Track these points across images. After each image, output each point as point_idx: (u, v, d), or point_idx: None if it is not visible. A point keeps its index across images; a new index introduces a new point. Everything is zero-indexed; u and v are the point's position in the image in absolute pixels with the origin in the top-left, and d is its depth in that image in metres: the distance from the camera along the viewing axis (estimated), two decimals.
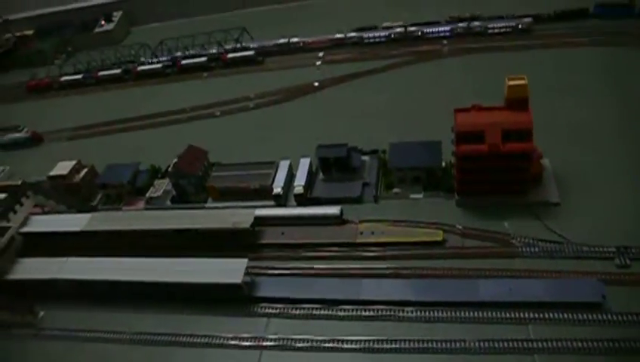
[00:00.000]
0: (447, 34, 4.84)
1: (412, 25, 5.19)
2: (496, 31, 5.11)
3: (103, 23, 6.64)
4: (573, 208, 2.79)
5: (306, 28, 5.54)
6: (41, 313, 3.00)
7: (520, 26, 5.48)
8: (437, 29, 4.99)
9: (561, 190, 3.00)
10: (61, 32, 6.75)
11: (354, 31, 4.82)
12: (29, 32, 7.16)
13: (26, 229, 3.40)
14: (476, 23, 5.42)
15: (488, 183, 3.05)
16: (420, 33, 4.83)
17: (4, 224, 3.27)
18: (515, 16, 4.94)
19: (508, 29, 5.19)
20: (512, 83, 2.88)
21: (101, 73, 5.57)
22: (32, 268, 3.15)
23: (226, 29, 5.18)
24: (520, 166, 2.88)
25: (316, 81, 4.44)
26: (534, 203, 3.01)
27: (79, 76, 5.60)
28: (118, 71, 5.48)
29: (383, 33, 4.78)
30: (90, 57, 5.72)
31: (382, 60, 4.61)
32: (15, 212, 3.47)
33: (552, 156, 3.17)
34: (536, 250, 2.77)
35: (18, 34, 7.00)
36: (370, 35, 4.78)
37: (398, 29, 4.76)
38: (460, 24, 4.94)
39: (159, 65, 5.34)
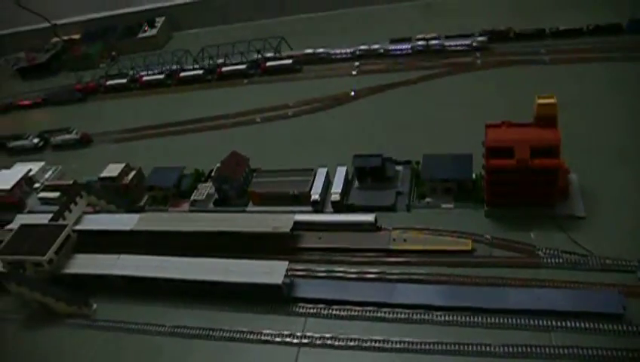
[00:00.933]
0: (466, 48, 4.73)
1: (446, 37, 5.15)
2: (528, 49, 4.96)
3: (146, 28, 6.79)
4: (598, 222, 2.80)
5: (342, 37, 5.56)
6: (94, 305, 3.16)
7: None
8: (460, 43, 4.89)
9: (586, 204, 3.01)
10: (106, 37, 6.91)
11: (391, 43, 4.83)
12: (76, 37, 7.36)
13: (80, 227, 3.56)
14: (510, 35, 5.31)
15: (516, 196, 3.09)
16: (442, 47, 4.76)
17: (61, 222, 3.45)
18: (550, 31, 4.81)
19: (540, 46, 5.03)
20: (541, 101, 2.91)
21: (145, 78, 5.69)
22: (87, 264, 3.31)
23: (265, 37, 5.27)
24: (547, 180, 2.92)
25: (352, 91, 4.48)
26: (560, 216, 3.03)
27: (124, 80, 5.75)
28: (161, 76, 5.61)
29: (405, 46, 4.75)
30: (134, 62, 5.88)
31: (415, 71, 4.59)
32: (70, 210, 3.65)
33: (580, 171, 3.18)
34: (561, 261, 2.80)
35: (66, 38, 7.21)
36: (401, 47, 4.78)
37: (421, 42, 4.75)
38: (479, 38, 4.79)
39: (201, 72, 5.45)
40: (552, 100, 2.84)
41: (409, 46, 4.62)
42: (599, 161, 3.11)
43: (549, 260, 2.75)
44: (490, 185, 2.96)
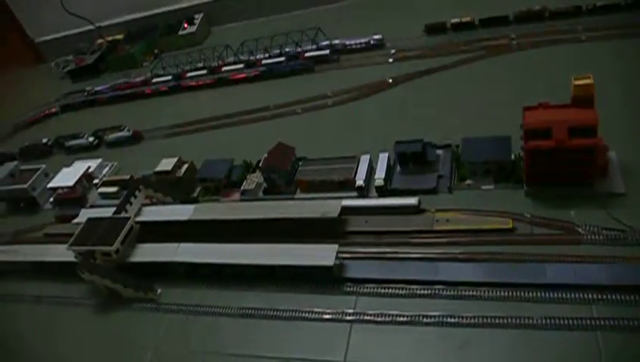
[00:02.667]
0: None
1: (480, 20, 5.14)
2: (557, 27, 4.83)
3: (185, 25, 6.98)
4: (638, 198, 2.82)
5: (377, 24, 5.60)
6: (159, 290, 3.37)
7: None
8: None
9: (626, 181, 3.02)
10: (148, 36, 7.12)
11: (424, 31, 4.83)
12: (119, 37, 7.61)
13: (140, 218, 3.77)
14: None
15: (556, 175, 3.12)
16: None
17: (124, 215, 3.67)
18: (587, 8, 4.69)
19: (568, 24, 4.88)
20: (578, 82, 2.93)
21: (188, 74, 5.87)
22: (150, 252, 3.52)
23: (302, 29, 5.36)
24: (585, 159, 2.95)
25: (390, 78, 4.53)
26: (600, 193, 3.05)
27: (168, 77, 5.93)
28: (204, 72, 5.77)
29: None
30: (177, 59, 6.07)
31: (452, 56, 4.59)
32: (131, 204, 3.87)
33: (619, 148, 3.18)
34: (601, 237, 2.84)
35: (109, 39, 7.47)
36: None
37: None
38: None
39: (242, 65, 5.59)
40: (588, 81, 2.92)
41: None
42: (639, 138, 3.17)
43: (588, 236, 2.84)
44: (530, 165, 3.07)
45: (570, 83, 2.94)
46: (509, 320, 2.57)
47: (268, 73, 5.41)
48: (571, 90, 3.01)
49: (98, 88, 6.42)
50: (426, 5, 5.72)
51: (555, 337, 2.46)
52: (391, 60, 5.17)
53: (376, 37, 5.14)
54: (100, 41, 7.41)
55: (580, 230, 2.92)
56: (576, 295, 2.64)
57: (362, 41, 5.29)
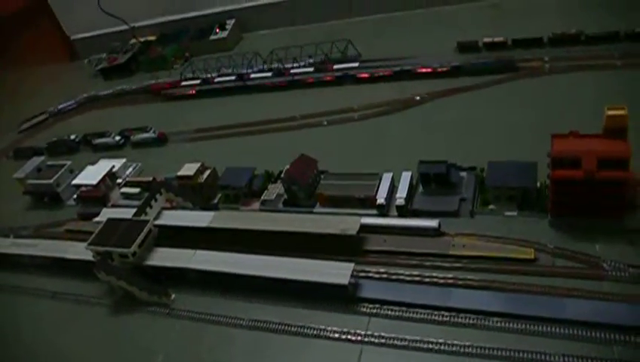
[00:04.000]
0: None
1: (513, 41, 5.03)
2: (593, 52, 4.65)
3: (217, 30, 7.05)
4: None
5: (409, 39, 5.55)
6: (173, 295, 3.38)
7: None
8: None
9: None
10: (180, 39, 7.21)
11: (456, 48, 4.76)
12: (152, 38, 7.71)
13: (159, 222, 3.79)
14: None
15: (582, 207, 3.02)
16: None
17: (144, 217, 3.69)
18: (625, 34, 4.53)
19: (605, 49, 4.69)
20: (611, 113, 2.83)
21: (217, 79, 5.92)
22: (166, 257, 3.53)
23: (333, 40, 5.34)
24: (615, 192, 2.85)
25: (417, 95, 4.49)
26: (629, 229, 2.94)
27: (197, 82, 5.98)
28: (232, 78, 5.80)
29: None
30: (206, 63, 6.11)
31: (484, 76, 4.52)
32: (151, 207, 3.89)
33: None
34: (626, 274, 2.72)
35: (142, 39, 7.57)
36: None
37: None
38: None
39: (270, 74, 5.61)
40: (622, 112, 2.83)
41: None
42: None
43: (613, 273, 2.75)
44: (555, 195, 2.99)
45: (602, 112, 2.86)
46: (523, 354, 2.50)
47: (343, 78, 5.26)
48: (603, 120, 2.93)
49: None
50: (461, 22, 5.66)
51: None
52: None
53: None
54: (133, 41, 7.52)
55: (604, 265, 2.83)
56: (597, 334, 2.55)
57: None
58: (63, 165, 4.65)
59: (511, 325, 2.66)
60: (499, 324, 2.74)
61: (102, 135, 5.40)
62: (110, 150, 5.41)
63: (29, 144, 6.21)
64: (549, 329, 2.61)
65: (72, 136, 5.63)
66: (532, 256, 3.00)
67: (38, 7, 7.99)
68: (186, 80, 6.02)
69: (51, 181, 4.45)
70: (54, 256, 3.72)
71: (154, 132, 5.15)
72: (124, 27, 7.48)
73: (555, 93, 4.26)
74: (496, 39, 5.04)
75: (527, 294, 2.78)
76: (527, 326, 2.63)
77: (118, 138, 5.26)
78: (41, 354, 3.30)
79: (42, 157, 4.88)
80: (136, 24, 7.55)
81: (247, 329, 3.03)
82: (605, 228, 3.07)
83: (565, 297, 2.71)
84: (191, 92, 6.00)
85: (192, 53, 6.89)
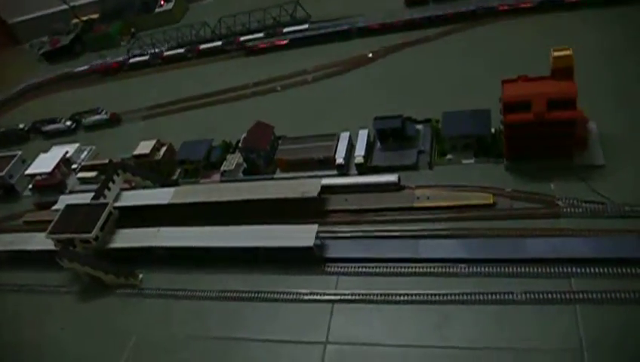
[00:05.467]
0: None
1: None
2: None
3: (162, 2, 6.78)
4: (618, 170, 2.81)
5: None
6: (141, 276, 3.36)
7: None
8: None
9: (606, 152, 3.01)
10: (124, 15, 6.94)
11: (404, 3, 4.72)
12: (95, 16, 7.39)
13: (119, 203, 3.72)
14: None
15: (536, 149, 3.10)
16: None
17: (102, 200, 3.61)
18: None
19: None
20: (557, 54, 2.89)
21: (166, 53, 5.74)
22: (130, 238, 3.49)
23: (280, 4, 5.24)
24: (565, 132, 2.94)
25: (370, 52, 4.45)
26: (580, 166, 3.05)
27: (146, 57, 5.80)
28: (181, 50, 5.65)
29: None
30: (154, 38, 5.92)
31: (433, 28, 4.51)
32: (109, 189, 3.80)
33: (599, 119, 3.16)
34: (580, 210, 2.85)
35: (85, 18, 7.24)
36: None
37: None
38: None
39: (219, 43, 5.48)
40: (567, 52, 2.89)
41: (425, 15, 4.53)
42: (618, 109, 3.15)
43: (568, 209, 2.85)
44: (509, 139, 3.05)
45: (549, 54, 2.90)
46: (489, 296, 2.58)
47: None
48: (550, 62, 2.98)
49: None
50: None
51: (534, 312, 2.47)
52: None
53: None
54: (75, 21, 7.23)
55: (559, 203, 2.92)
56: (556, 269, 2.65)
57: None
58: (13, 155, 4.50)
59: (476, 269, 2.74)
60: (465, 270, 2.82)
61: (52, 121, 5.24)
62: (62, 136, 5.26)
63: None
64: (511, 269, 2.69)
65: (21, 125, 5.44)
66: (491, 201, 3.07)
67: None
68: (134, 57, 5.85)
69: (3, 173, 4.32)
70: (15, 248, 3.63)
71: (106, 113, 5.01)
72: (64, 7, 7.18)
73: (504, 41, 4.30)
74: None
75: (490, 238, 2.86)
76: (491, 268, 2.71)
77: (69, 123, 5.11)
78: (16, 349, 3.25)
79: None
80: (76, 3, 7.25)
81: (218, 301, 3.04)
82: (558, 167, 3.16)
83: (525, 237, 2.80)
84: (139, 69, 5.84)
85: (137, 28, 6.68)
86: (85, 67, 6.11)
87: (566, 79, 2.92)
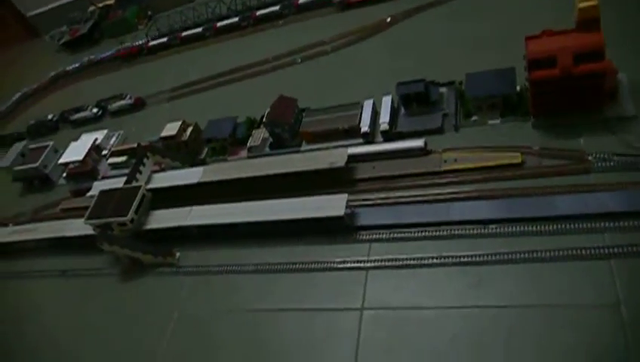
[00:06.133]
0: None
1: None
2: None
3: None
4: None
5: None
6: (178, 254, 3.45)
7: None
8: None
9: (637, 103, 2.91)
10: None
11: None
12: (111, 2, 7.38)
13: (151, 186, 3.79)
14: None
15: (563, 104, 3.02)
16: None
17: (135, 184, 3.68)
18: None
19: None
20: (582, 5, 2.78)
21: (184, 34, 5.74)
22: (164, 218, 3.56)
23: None
24: (593, 85, 2.84)
25: (388, 17, 4.36)
26: (610, 118, 2.95)
27: (164, 39, 5.80)
28: (199, 29, 5.62)
29: None
30: (171, 19, 5.92)
31: None
32: (140, 172, 3.87)
33: (630, 69, 3.04)
34: (612, 164, 2.77)
35: (101, 5, 7.26)
36: None
37: None
38: None
39: (236, 19, 5.44)
40: (593, 2, 2.81)
41: None
42: None
43: (599, 164, 2.80)
44: (535, 96, 3.00)
45: (574, 5, 2.82)
46: (522, 255, 2.59)
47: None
48: (575, 14, 2.90)
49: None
50: None
51: (568, 269, 2.47)
52: None
53: None
54: (91, 8, 7.27)
55: (589, 158, 2.88)
56: (588, 224, 2.63)
57: None
58: (46, 146, 4.62)
59: (506, 229, 2.74)
60: (495, 230, 2.82)
61: (79, 110, 5.33)
62: (90, 123, 5.35)
63: (7, 131, 6.13)
64: (543, 227, 2.68)
65: (50, 116, 5.55)
66: (520, 160, 3.05)
67: None
68: (153, 39, 5.88)
69: (37, 164, 4.44)
70: (56, 236, 3.75)
71: (130, 98, 5.08)
72: None
73: None
74: None
75: (519, 197, 2.85)
76: (522, 227, 2.70)
77: (95, 110, 5.20)
78: (61, 331, 3.39)
79: (24, 142, 4.83)
80: None
81: (254, 274, 3.11)
82: (587, 121, 3.10)
83: (555, 194, 2.77)
84: (158, 51, 5.88)
85: (154, 10, 6.68)
86: (106, 54, 6.17)
87: (592, 30, 2.84)
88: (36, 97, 6.83)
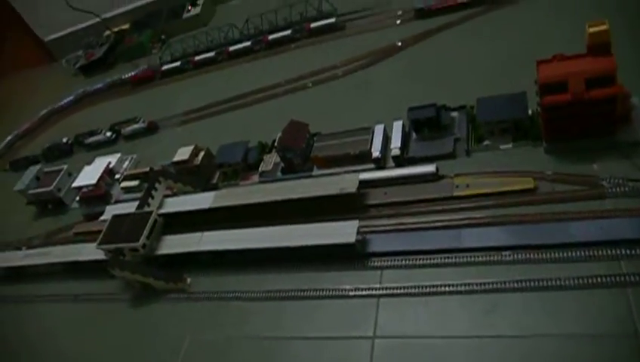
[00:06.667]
0: None
1: None
2: None
3: (190, 7, 6.87)
4: None
5: None
6: (189, 280, 3.44)
7: None
8: None
9: None
10: (153, 23, 7.04)
11: None
12: (125, 27, 7.52)
13: (163, 211, 3.81)
14: None
15: (576, 129, 2.99)
16: None
17: (147, 209, 3.70)
18: None
19: None
20: (592, 30, 2.77)
21: (197, 58, 5.82)
22: (176, 244, 3.57)
23: None
24: (605, 110, 2.82)
25: (398, 41, 4.39)
26: (623, 143, 2.92)
27: (177, 63, 5.89)
28: (212, 54, 5.71)
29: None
30: (184, 43, 6.01)
31: (459, 12, 4.41)
32: (152, 197, 3.90)
33: None
34: (626, 189, 2.73)
35: (116, 29, 7.40)
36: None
37: None
38: None
39: (248, 43, 5.51)
40: (603, 27, 2.79)
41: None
42: None
43: (614, 189, 2.76)
44: (547, 121, 2.98)
45: (584, 30, 2.82)
46: (536, 282, 2.55)
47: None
48: (586, 39, 2.89)
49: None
50: None
51: (583, 297, 2.43)
52: (398, 22, 5.04)
53: None
54: (107, 33, 7.40)
55: (603, 183, 2.84)
56: (603, 252, 2.59)
57: None
58: (60, 170, 4.67)
59: (521, 256, 2.70)
60: (510, 257, 2.78)
61: (93, 133, 5.40)
62: (103, 147, 5.41)
63: (23, 154, 6.23)
64: (557, 254, 2.64)
65: (64, 139, 5.62)
66: (532, 185, 3.02)
67: (5, 16, 7.86)
68: (166, 64, 5.96)
69: (52, 188, 4.49)
70: (68, 260, 3.78)
71: (143, 122, 5.13)
72: (95, 20, 7.37)
73: (536, 19, 4.19)
74: None
75: (533, 223, 2.81)
76: (537, 254, 2.66)
77: (109, 134, 5.26)
78: (72, 356, 3.39)
79: (39, 166, 4.89)
80: (107, 15, 7.42)
81: (265, 301, 3.10)
82: (600, 146, 3.07)
83: (570, 220, 2.74)
84: (171, 75, 5.95)
85: (168, 35, 6.78)
86: (120, 77, 6.26)
87: (604, 55, 2.83)
88: (51, 120, 6.94)
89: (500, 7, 4.57)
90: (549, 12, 4.23)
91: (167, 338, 3.27)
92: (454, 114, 3.69)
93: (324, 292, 3.05)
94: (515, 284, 2.66)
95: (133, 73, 6.55)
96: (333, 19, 5.40)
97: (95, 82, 7.01)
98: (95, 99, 6.78)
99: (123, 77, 6.67)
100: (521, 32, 4.19)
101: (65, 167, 4.94)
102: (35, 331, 3.86)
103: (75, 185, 4.62)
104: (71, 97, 6.93)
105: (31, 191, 4.83)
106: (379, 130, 3.80)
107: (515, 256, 2.81)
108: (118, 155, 4.83)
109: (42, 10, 7.93)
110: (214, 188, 4.12)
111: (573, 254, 2.73)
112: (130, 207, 3.85)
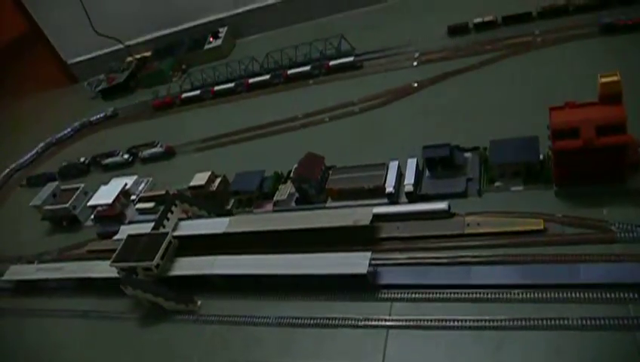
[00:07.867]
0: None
1: (503, 18, 5.04)
2: (583, 21, 4.64)
3: (211, 39, 7.09)
4: None
5: (401, 27, 5.59)
6: (199, 302, 3.47)
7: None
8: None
9: None
10: (175, 52, 7.25)
11: (447, 32, 4.81)
12: (148, 54, 7.75)
13: (177, 233, 3.87)
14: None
15: (586, 174, 3.08)
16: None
17: (162, 230, 3.77)
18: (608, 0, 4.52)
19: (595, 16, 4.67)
20: (604, 80, 2.88)
21: (216, 88, 5.99)
22: (189, 266, 3.61)
23: (326, 37, 5.42)
24: (615, 157, 2.91)
25: (415, 82, 4.53)
26: (633, 190, 2.99)
27: (197, 92, 6.06)
28: (231, 85, 5.87)
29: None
30: (204, 73, 6.20)
31: (477, 56, 4.56)
32: (168, 219, 3.98)
33: None
34: (635, 235, 2.79)
35: (138, 56, 7.64)
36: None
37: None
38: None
39: (268, 77, 5.69)
40: (615, 78, 2.91)
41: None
42: None
43: (623, 234, 2.84)
44: (558, 166, 3.08)
45: (596, 78, 2.94)
46: (544, 321, 2.60)
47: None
48: (598, 88, 3.01)
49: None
50: (449, 6, 5.74)
51: (591, 338, 2.47)
52: (415, 64, 5.20)
53: None
54: (129, 59, 7.62)
55: (613, 228, 2.91)
56: (612, 294, 2.64)
57: None
58: (77, 188, 4.77)
59: (530, 295, 2.75)
60: (518, 296, 2.83)
61: (110, 154, 5.52)
62: (120, 168, 5.52)
63: (40, 171, 6.36)
64: (566, 295, 2.70)
65: (82, 159, 5.75)
66: (542, 227, 3.09)
67: (33, 35, 8.13)
68: (185, 92, 6.13)
69: (68, 205, 4.59)
70: (80, 276, 3.84)
71: (161, 146, 5.26)
72: (118, 46, 7.60)
73: (549, 67, 4.33)
74: (486, 19, 5.11)
75: (542, 264, 2.87)
76: (546, 294, 2.72)
77: (126, 156, 5.38)
78: None
79: (56, 183, 5.00)
80: (130, 42, 7.66)
81: (275, 327, 3.14)
82: (610, 192, 3.15)
83: (579, 263, 2.80)
84: (190, 103, 6.12)
85: (188, 64, 6.99)
86: (140, 102, 6.43)
87: (615, 104, 2.95)
88: (69, 140, 7.10)
89: (516, 54, 4.74)
90: (561, 61, 4.38)
91: (175, 359, 3.31)
92: (467, 154, 3.79)
93: (335, 321, 3.10)
94: (523, 323, 2.71)
95: (152, 98, 6.73)
96: (351, 58, 5.57)
97: (113, 105, 7.20)
98: (113, 122, 6.94)
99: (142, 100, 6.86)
100: (535, 79, 4.34)
101: (82, 185, 5.05)
102: (43, 346, 3.89)
103: (90, 203, 4.72)
104: (88, 118, 7.12)
105: (47, 207, 4.93)
106: (393, 166, 3.90)
107: (523, 294, 2.87)
108: (135, 177, 4.93)
109: (69, 33, 8.20)
110: (229, 214, 4.20)
111: (582, 295, 2.78)
112: (143, 228, 3.93)
